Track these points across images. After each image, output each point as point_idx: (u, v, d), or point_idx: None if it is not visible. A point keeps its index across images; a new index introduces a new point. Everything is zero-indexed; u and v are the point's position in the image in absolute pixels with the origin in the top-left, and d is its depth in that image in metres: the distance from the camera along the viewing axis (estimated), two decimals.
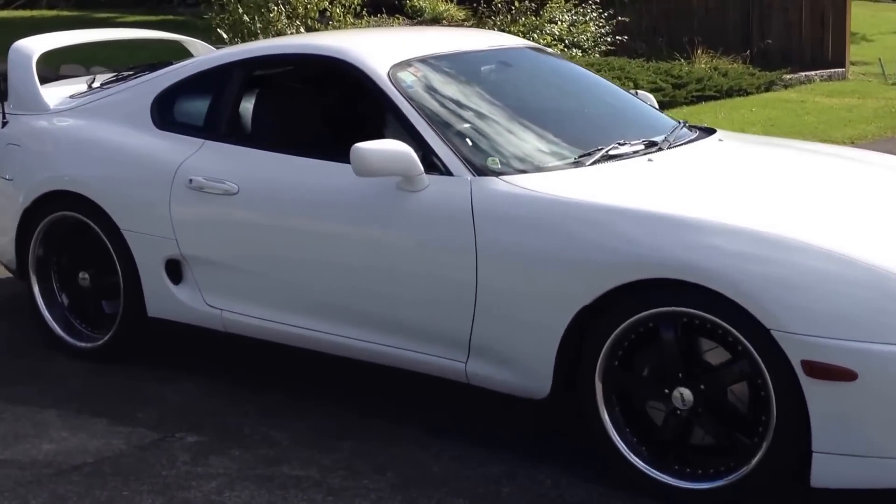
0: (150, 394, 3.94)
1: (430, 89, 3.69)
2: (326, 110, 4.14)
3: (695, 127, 4.01)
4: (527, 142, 3.56)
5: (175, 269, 4.00)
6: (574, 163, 3.45)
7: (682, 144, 3.70)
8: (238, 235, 3.81)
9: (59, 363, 4.23)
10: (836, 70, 11.92)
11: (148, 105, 4.16)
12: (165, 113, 4.14)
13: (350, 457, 3.40)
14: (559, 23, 11.23)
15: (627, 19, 11.77)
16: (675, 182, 3.38)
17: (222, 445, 3.50)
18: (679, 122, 3.94)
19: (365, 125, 3.94)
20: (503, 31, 10.17)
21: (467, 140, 3.49)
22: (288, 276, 3.70)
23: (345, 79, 3.82)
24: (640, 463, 3.00)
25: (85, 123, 4.31)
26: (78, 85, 4.74)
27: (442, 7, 13.32)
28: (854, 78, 12.25)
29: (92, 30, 5.50)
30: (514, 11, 11.22)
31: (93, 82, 4.69)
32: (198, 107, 4.11)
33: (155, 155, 4.03)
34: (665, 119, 4.11)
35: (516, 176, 3.33)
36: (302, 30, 8.83)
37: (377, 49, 3.85)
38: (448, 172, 3.38)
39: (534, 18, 11.19)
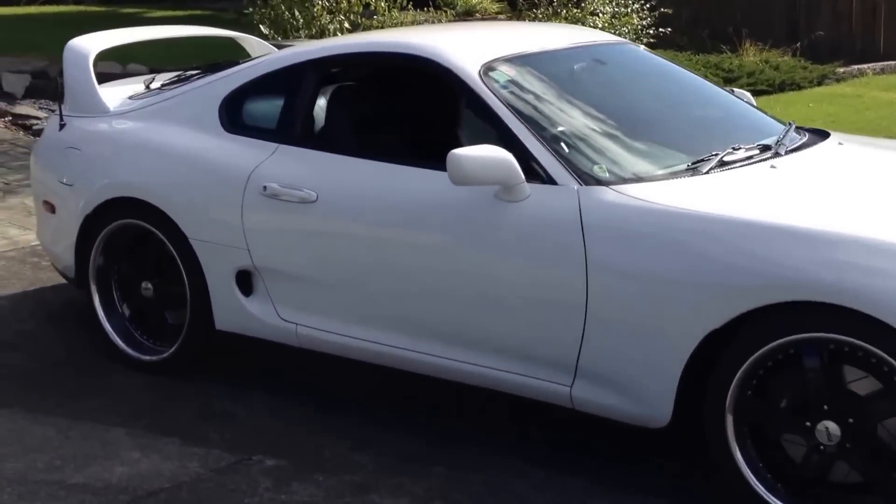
0: (219, 411, 3.73)
1: (524, 90, 3.45)
2: (410, 112, 3.90)
3: (803, 129, 3.75)
4: (633, 147, 3.31)
5: (246, 281, 3.78)
6: (688, 170, 3.19)
7: (799, 149, 3.45)
8: (316, 246, 3.59)
9: (120, 376, 4.02)
10: (889, 63, 11.53)
11: (216, 107, 3.93)
12: (235, 115, 3.91)
13: (443, 484, 3.18)
14: (601, 15, 10.93)
15: (670, 11, 11.46)
16: (807, 192, 3.12)
17: (304, 470, 3.29)
18: (788, 124, 3.67)
19: (454, 129, 3.70)
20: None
21: (567, 145, 3.24)
22: (371, 290, 3.47)
23: (431, 79, 3.58)
24: (778, 502, 2.76)
25: (148, 126, 4.09)
26: (135, 85, 4.53)
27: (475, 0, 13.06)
28: None
29: (146, 27, 5.28)
30: (554, 3, 10.92)
31: (151, 83, 4.49)
32: (269, 109, 3.89)
33: (225, 160, 3.81)
34: (770, 120, 3.85)
35: (627, 185, 3.08)
36: (346, 25, 8.58)
37: (465, 47, 3.61)
38: (551, 181, 3.14)
39: (576, 10, 10.89)
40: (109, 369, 4.09)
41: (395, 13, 8.94)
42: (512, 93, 3.38)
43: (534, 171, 3.15)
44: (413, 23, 10.13)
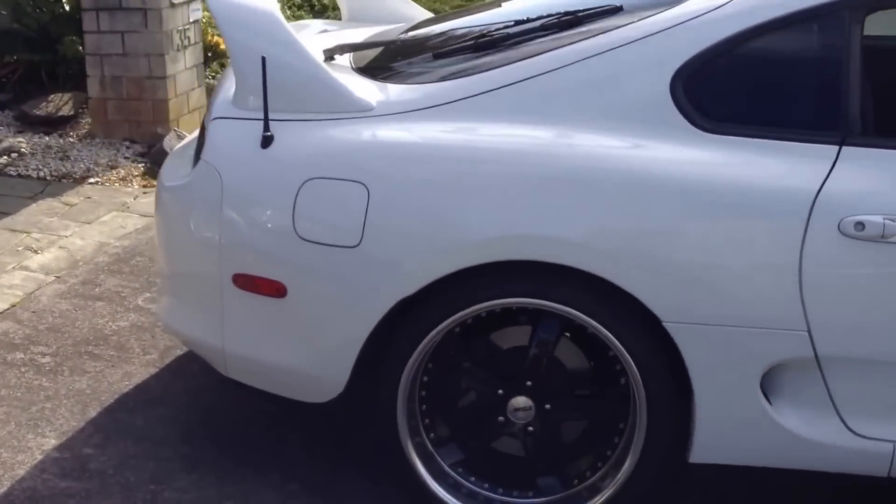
0: None
1: None
2: None
3: None
4: None
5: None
6: None
7: None
8: None
9: None
10: None
11: (664, 90, 2.25)
12: (710, 102, 2.24)
13: None
14: None
15: None
16: None
17: None
18: None
19: None
20: None
21: None
22: None
23: None
24: None
25: (505, 134, 2.29)
26: None
27: None
28: None
29: None
30: None
31: (337, 51, 2.69)
32: (777, 85, 2.29)
33: (738, 182, 2.17)
34: None
35: None
36: None
37: None
38: None
39: None
40: None
41: None
42: None
43: None
44: None
